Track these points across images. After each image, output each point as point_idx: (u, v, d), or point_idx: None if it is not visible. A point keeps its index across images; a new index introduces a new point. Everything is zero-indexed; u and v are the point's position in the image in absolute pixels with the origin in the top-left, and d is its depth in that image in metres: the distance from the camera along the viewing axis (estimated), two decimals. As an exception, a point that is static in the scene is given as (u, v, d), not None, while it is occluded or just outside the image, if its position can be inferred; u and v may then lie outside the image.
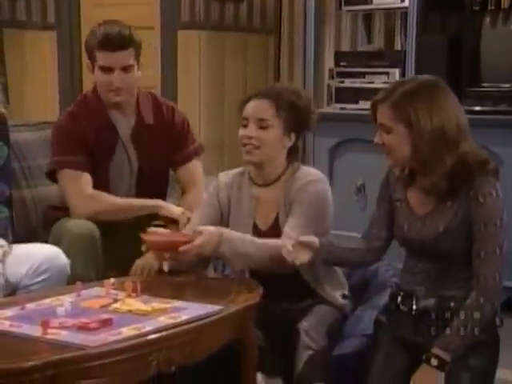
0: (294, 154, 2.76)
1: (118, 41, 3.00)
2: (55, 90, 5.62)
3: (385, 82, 4.34)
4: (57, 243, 2.87)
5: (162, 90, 5.32)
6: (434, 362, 2.28)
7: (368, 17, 4.97)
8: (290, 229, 2.59)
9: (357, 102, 4.56)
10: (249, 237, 2.59)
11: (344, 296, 2.74)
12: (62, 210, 3.10)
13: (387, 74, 4.42)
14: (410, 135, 2.32)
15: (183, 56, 5.27)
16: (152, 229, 2.64)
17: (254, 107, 2.67)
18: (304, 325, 2.52)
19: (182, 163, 3.22)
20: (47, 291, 2.43)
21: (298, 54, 5.27)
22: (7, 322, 2.12)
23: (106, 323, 2.10)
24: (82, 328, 2.06)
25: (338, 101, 4.65)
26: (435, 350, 2.28)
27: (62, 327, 2.07)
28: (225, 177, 2.80)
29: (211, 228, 2.53)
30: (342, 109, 4.64)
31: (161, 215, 2.98)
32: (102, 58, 3.02)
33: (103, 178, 3.10)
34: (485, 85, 4.13)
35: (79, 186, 3.03)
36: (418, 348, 2.36)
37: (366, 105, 4.41)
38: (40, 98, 5.63)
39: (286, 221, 2.64)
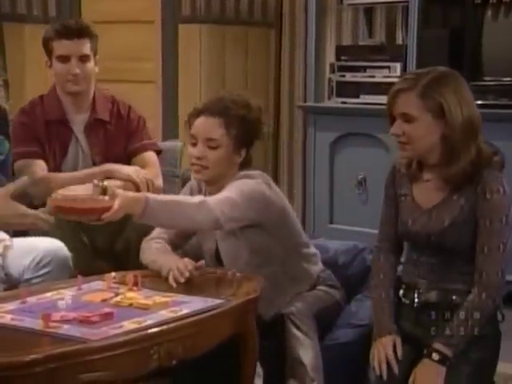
0: (246, 167, 2.68)
1: (75, 29, 3.10)
2: (56, 83, 5.61)
3: (386, 76, 4.34)
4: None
5: (162, 84, 5.32)
6: (435, 356, 2.28)
7: (369, 11, 4.96)
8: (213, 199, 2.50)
9: (358, 96, 4.55)
10: (174, 206, 2.43)
11: (331, 286, 2.73)
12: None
13: (388, 68, 4.41)
14: (437, 124, 2.30)
15: (184, 50, 5.26)
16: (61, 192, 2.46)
17: (202, 126, 2.61)
18: (290, 309, 2.52)
19: (136, 153, 3.24)
20: (48, 285, 2.43)
21: (299, 47, 5.26)
22: (8, 316, 2.12)
23: (107, 317, 2.10)
24: (83, 322, 2.06)
25: (338, 95, 4.64)
26: (436, 345, 2.28)
27: (63, 321, 2.07)
28: (196, 186, 2.75)
29: (135, 194, 2.45)
30: (343, 103, 4.63)
31: (117, 179, 2.99)
32: (60, 46, 3.10)
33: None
34: (486, 79, 4.12)
35: (32, 174, 3.06)
36: (419, 341, 2.37)
37: (366, 99, 4.46)
38: (40, 92, 5.60)
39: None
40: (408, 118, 2.31)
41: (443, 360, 2.27)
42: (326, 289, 2.71)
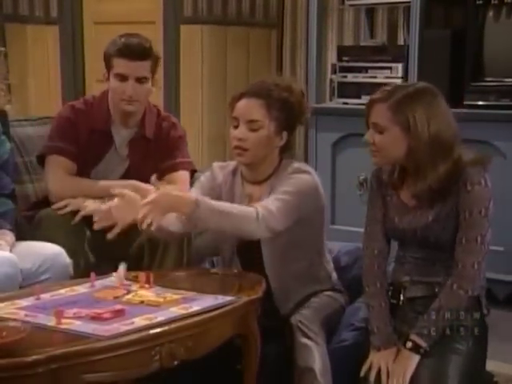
0: (287, 151, 2.70)
1: (138, 50, 3.05)
2: (58, 84, 5.63)
3: (388, 77, 4.35)
4: (39, 231, 2.91)
5: (164, 84, 5.32)
6: (408, 344, 2.34)
7: (371, 11, 4.96)
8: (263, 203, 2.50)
9: (359, 97, 4.53)
10: (225, 215, 2.43)
11: (335, 290, 2.74)
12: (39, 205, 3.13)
13: (390, 68, 4.42)
14: (405, 138, 2.36)
15: (186, 51, 5.27)
16: None
17: (244, 107, 2.61)
18: (297, 317, 2.52)
19: (166, 172, 3.18)
20: (62, 282, 2.45)
21: (301, 48, 5.28)
22: (22, 312, 2.14)
23: (119, 313, 2.12)
24: (95, 318, 2.09)
25: (340, 96, 4.64)
26: (411, 335, 2.34)
27: (76, 317, 2.09)
28: (219, 170, 2.76)
29: (186, 195, 2.49)
30: (344, 104, 4.63)
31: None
32: (120, 65, 3.05)
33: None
34: (488, 79, 4.12)
35: (60, 171, 3.08)
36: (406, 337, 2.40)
37: (368, 100, 4.45)
38: (42, 93, 5.63)
39: None
40: (378, 128, 2.39)
41: (416, 348, 2.33)
42: (331, 294, 2.72)
